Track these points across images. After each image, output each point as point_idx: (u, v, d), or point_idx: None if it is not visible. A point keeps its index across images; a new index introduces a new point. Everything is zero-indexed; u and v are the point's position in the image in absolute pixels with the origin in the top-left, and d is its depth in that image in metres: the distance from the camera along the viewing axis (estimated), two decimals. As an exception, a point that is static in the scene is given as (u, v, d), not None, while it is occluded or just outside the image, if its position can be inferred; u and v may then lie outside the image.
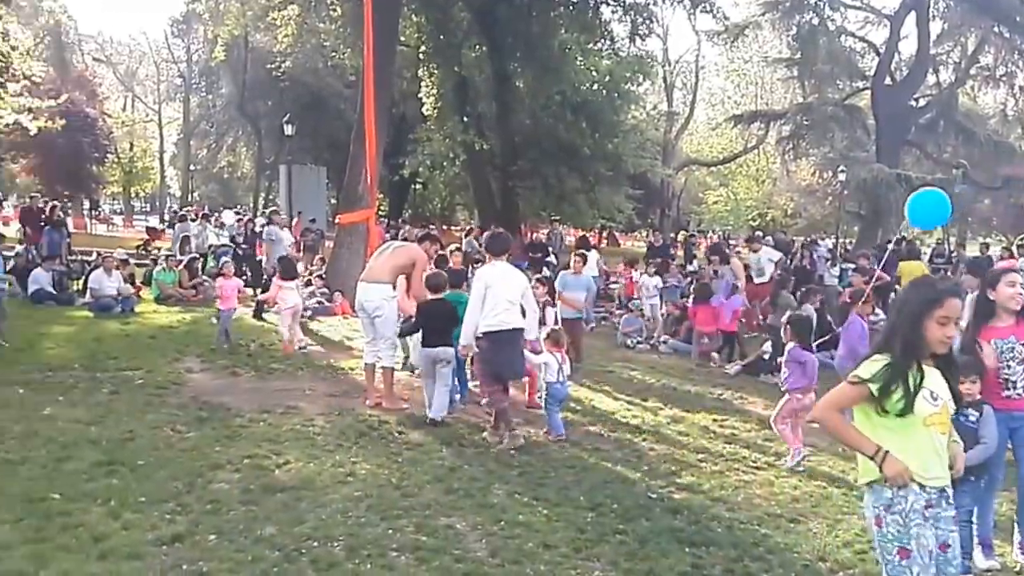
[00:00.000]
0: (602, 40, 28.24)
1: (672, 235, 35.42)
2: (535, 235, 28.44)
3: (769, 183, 47.70)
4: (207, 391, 9.13)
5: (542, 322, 9.23)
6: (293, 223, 23.48)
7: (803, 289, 13.78)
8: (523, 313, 7.96)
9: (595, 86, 28.98)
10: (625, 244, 48.12)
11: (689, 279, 18.36)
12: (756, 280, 15.71)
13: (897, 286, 14.80)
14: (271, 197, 44.95)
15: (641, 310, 15.01)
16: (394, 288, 8.87)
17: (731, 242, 42.38)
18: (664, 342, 13.98)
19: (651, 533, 5.50)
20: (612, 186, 30.60)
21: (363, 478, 6.33)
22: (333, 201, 39.84)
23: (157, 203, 63.53)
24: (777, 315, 12.70)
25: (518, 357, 7.84)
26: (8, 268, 16.49)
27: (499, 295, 7.68)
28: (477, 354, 7.99)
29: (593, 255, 20.51)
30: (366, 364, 9.16)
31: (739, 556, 5.26)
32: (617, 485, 6.47)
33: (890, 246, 16.49)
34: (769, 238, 23.33)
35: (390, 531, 5.27)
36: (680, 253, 26.63)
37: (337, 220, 19.37)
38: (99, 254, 17.37)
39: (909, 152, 33.42)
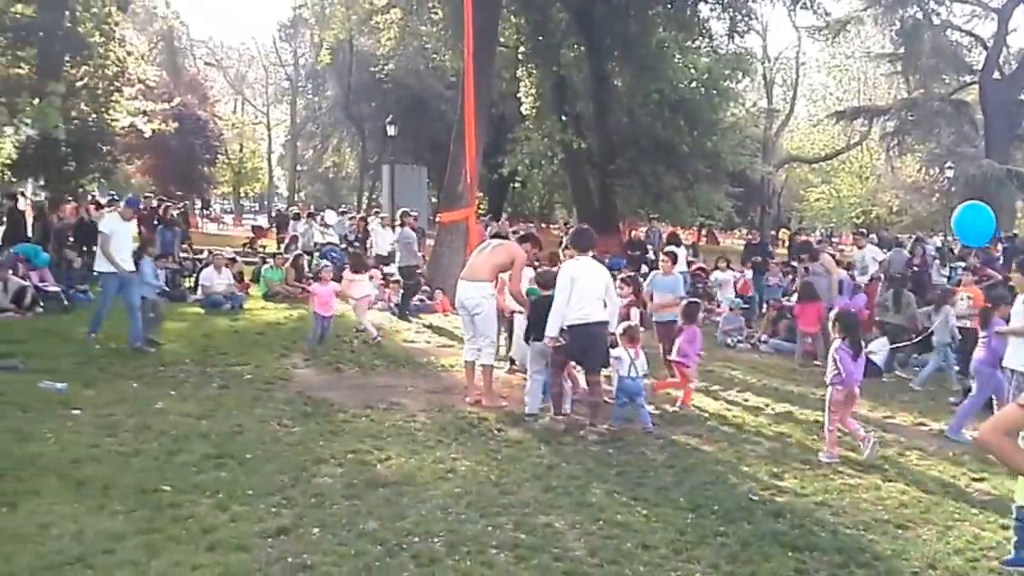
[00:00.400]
0: (700, 38, 27.83)
1: (772, 233, 34.65)
2: (634, 233, 28.14)
3: (873, 180, 46.21)
4: (312, 386, 9.30)
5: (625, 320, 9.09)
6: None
7: (938, 291, 13.04)
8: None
9: (693, 84, 28.53)
10: (724, 242, 47.39)
11: (791, 277, 17.92)
12: (859, 278, 15.19)
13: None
14: (374, 196, 45.63)
15: (742, 308, 14.70)
16: (494, 286, 8.85)
17: (833, 240, 41.37)
18: (764, 341, 13.66)
19: (753, 536, 5.36)
20: (711, 184, 30.06)
21: (463, 475, 6.33)
22: (433, 200, 40.24)
23: (265, 202, 65.24)
24: (903, 314, 12.29)
25: (602, 349, 7.93)
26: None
27: (584, 290, 7.82)
28: (560, 346, 8.04)
29: (682, 252, 20.27)
30: (466, 361, 9.19)
31: (844, 562, 5.08)
32: (718, 486, 6.33)
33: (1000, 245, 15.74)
34: (873, 236, 22.58)
35: (489, 528, 5.25)
36: (782, 251, 26.05)
37: (438, 219, 19.54)
38: (210, 252, 17.90)
39: (1020, 147, 31.91)
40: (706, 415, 8.87)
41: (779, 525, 5.60)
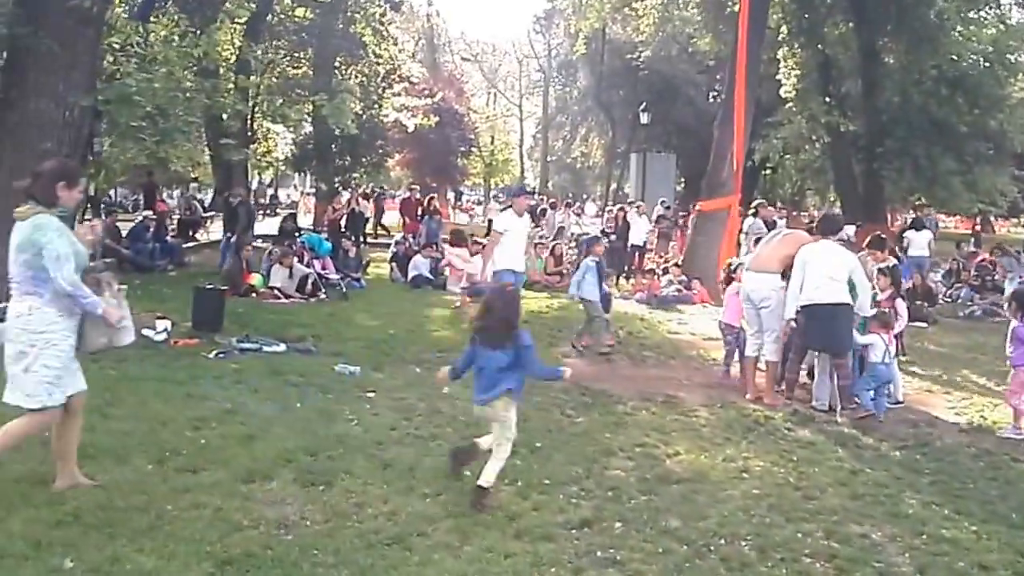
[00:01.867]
0: (986, 7, 25.69)
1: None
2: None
3: None
4: (586, 377, 9.34)
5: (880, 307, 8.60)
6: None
7: None
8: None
9: (975, 57, 26.40)
10: (1001, 230, 43.63)
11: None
12: None
13: None
14: (621, 186, 45.72)
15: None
16: (783, 278, 8.53)
17: None
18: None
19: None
20: (993, 166, 27.62)
21: (758, 475, 6.15)
22: (678, 188, 39.73)
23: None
24: None
25: (838, 331, 7.98)
26: (391, 256, 18.18)
27: (817, 270, 8.01)
28: (795, 328, 8.23)
29: (924, 236, 18.91)
30: (747, 356, 8.94)
31: None
32: None
33: None
34: None
35: (799, 535, 5.04)
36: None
37: (698, 207, 19.24)
38: (479, 242, 18.52)
39: None
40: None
41: None
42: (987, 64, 26.11)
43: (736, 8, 24.16)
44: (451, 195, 47.82)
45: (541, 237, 22.75)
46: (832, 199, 38.38)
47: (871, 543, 4.98)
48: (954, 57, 25.76)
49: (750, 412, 8.09)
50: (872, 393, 8.05)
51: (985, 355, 11.80)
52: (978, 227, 36.09)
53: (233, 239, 16.13)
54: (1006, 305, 9.02)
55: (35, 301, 4.77)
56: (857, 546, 4.90)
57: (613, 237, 20.01)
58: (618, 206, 22.64)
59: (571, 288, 11.25)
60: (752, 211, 16.99)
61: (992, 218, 42.07)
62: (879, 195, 29.14)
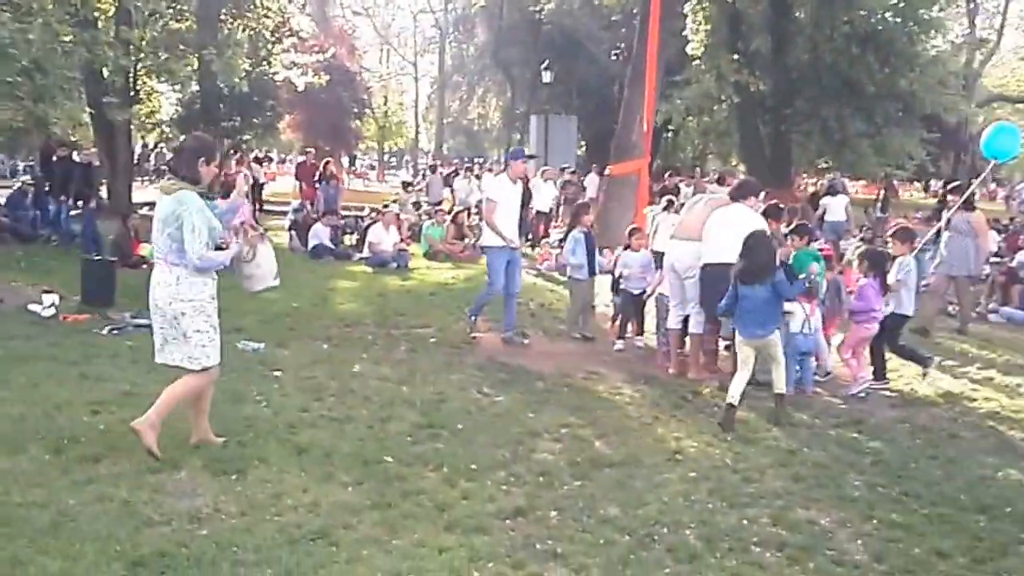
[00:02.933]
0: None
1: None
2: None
3: None
4: (501, 352, 9.31)
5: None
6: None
7: None
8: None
9: (888, 13, 26.85)
10: (904, 195, 45.01)
11: (1008, 236, 16.87)
12: None
13: None
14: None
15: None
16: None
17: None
18: (994, 311, 12.84)
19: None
20: (902, 128, 28.22)
21: (693, 457, 6.13)
22: (581, 152, 39.77)
23: (407, 157, 66.31)
24: None
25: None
26: (289, 224, 17.71)
27: (724, 232, 8.01)
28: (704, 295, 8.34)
29: (840, 200, 19.44)
30: (669, 329, 8.95)
31: None
32: (1000, 484, 5.80)
33: None
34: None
35: (744, 521, 5.00)
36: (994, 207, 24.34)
37: (608, 171, 19.23)
38: (377, 210, 18.20)
39: None
40: (950, 396, 8.23)
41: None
42: (899, 20, 26.59)
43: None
44: (345, 160, 46.96)
45: (425, 203, 22.68)
46: (735, 163, 38.99)
47: (821, 529, 4.96)
48: (863, 12, 26.17)
49: (675, 388, 8.10)
50: (797, 367, 8.10)
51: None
52: (884, 191, 37.11)
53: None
54: (855, 263, 9.36)
55: (182, 271, 5.37)
56: (807, 533, 4.88)
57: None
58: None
59: (569, 260, 10.63)
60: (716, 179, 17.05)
61: (895, 182, 43.45)
62: (786, 159, 29.55)
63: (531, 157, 11.08)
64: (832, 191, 20.56)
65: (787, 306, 7.97)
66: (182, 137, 14.81)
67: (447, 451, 5.95)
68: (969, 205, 11.41)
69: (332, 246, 16.61)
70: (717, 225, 8.17)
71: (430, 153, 57.44)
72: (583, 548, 4.58)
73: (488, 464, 5.75)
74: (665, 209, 10.49)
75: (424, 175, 28.86)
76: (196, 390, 5.63)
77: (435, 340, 9.73)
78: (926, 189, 45.89)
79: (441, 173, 26.82)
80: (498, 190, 10.03)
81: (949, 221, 11.18)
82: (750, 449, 6.33)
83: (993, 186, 44.39)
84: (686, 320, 8.72)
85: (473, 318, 10.11)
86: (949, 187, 13.01)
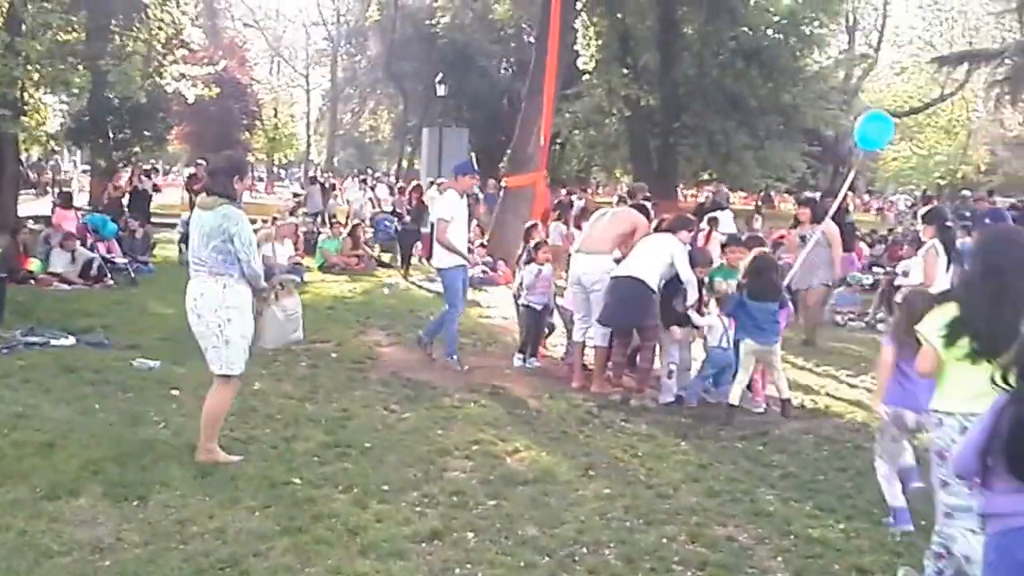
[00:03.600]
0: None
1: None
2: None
3: (964, 135, 44.06)
4: (405, 367, 9.09)
5: None
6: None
7: None
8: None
9: (770, 30, 27.57)
10: (781, 206, 46.05)
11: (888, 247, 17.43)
12: None
13: None
14: (411, 162, 45.23)
15: (861, 284, 14.22)
16: (615, 260, 8.49)
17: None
18: (882, 320, 13.19)
19: (979, 556, 4.96)
20: (784, 141, 28.94)
21: (605, 472, 6.05)
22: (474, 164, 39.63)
23: (293, 169, 65.24)
24: None
25: (627, 307, 7.99)
26: (179, 237, 17.11)
27: (634, 251, 8.18)
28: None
29: (726, 216, 19.78)
30: (574, 341, 8.89)
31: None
32: (912, 496, 5.79)
33: None
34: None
35: (663, 540, 4.92)
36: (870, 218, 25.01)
37: (503, 182, 19.16)
38: (272, 221, 17.70)
39: None
40: (850, 406, 8.33)
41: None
42: (782, 36, 27.28)
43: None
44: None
45: (303, 213, 22.34)
46: (619, 175, 39.40)
47: (740, 546, 4.91)
48: (747, 30, 26.82)
49: (580, 402, 8.02)
50: (711, 380, 8.13)
51: (795, 333, 12.28)
52: (759, 203, 37.90)
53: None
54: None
55: (228, 280, 5.70)
56: (726, 550, 4.82)
57: (408, 219, 19.08)
58: (412, 183, 22.09)
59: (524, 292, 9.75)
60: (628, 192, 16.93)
61: (772, 194, 44.47)
62: (673, 171, 30.00)
63: (476, 173, 10.40)
64: (718, 205, 20.86)
65: (707, 320, 8.10)
66: (207, 160, 14.08)
67: (356, 471, 5.75)
68: (838, 213, 11.38)
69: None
70: (643, 246, 8.19)
71: (319, 165, 56.63)
72: (503, 571, 4.45)
73: (400, 484, 5.57)
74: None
75: (303, 186, 28.50)
76: (229, 398, 5.95)
77: (336, 355, 9.47)
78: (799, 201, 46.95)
79: (322, 185, 26.54)
80: (449, 208, 9.20)
81: (804, 238, 11.02)
82: (662, 464, 6.28)
83: (867, 197, 45.94)
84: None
85: (454, 357, 9.18)
86: (800, 202, 13.18)
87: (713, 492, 5.74)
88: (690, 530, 5.08)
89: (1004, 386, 3.02)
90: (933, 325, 4.02)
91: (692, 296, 8.10)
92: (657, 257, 8.00)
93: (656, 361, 8.28)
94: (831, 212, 10.67)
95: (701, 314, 8.17)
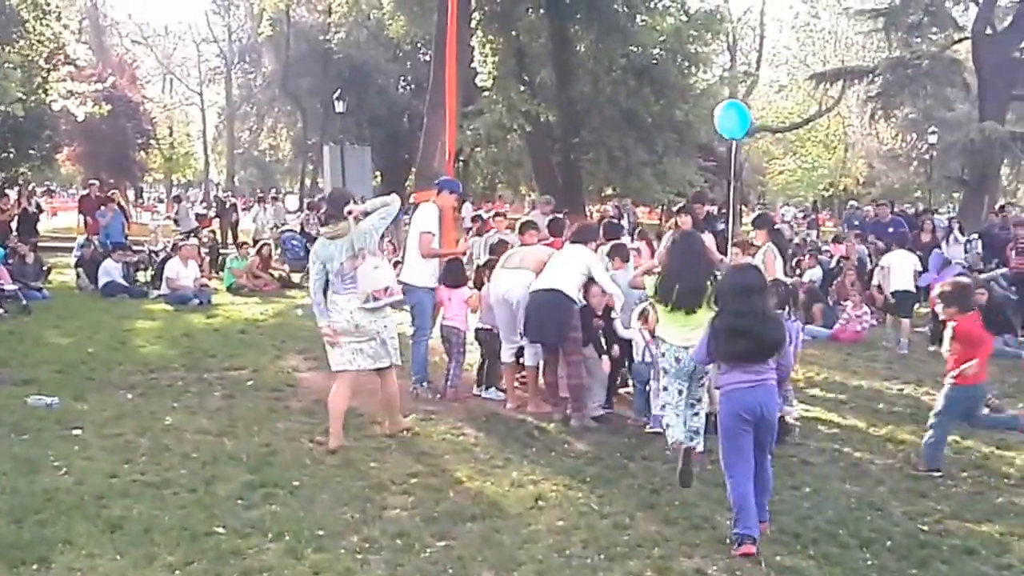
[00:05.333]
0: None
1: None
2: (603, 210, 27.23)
3: (841, 149, 45.32)
4: (327, 393, 8.25)
5: None
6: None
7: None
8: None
9: (657, 49, 27.67)
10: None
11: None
12: None
13: None
14: (315, 180, 44.15)
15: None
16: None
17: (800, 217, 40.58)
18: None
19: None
20: (681, 157, 29.05)
21: (556, 502, 5.56)
22: (376, 181, 39.03)
23: (194, 188, 63.22)
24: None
25: (550, 321, 7.55)
26: (75, 261, 16.07)
27: (551, 263, 7.92)
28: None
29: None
30: (503, 363, 8.40)
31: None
32: (871, 515, 5.46)
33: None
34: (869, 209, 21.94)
35: (630, 576, 4.47)
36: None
37: (412, 199, 18.59)
38: (174, 244, 16.75)
39: (1014, 109, 30.43)
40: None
41: (978, 563, 4.81)
42: (670, 54, 27.37)
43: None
44: (131, 192, 43.97)
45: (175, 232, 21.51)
46: (523, 192, 39.23)
47: (712, 581, 4.49)
48: (634, 48, 26.82)
49: (518, 424, 7.54)
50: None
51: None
52: (661, 218, 38.25)
53: None
54: None
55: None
56: (698, 585, 4.39)
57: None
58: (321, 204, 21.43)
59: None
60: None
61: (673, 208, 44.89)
62: (578, 186, 29.81)
63: (460, 191, 9.53)
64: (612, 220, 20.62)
65: (629, 333, 7.82)
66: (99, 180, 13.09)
67: (286, 515, 5.14)
68: (709, 221, 11.32)
69: (125, 283, 15.10)
70: (557, 259, 7.90)
71: (219, 185, 54.96)
72: (467, 627, 3.92)
73: (336, 528, 4.99)
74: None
75: (174, 205, 27.50)
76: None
77: (253, 383, 8.77)
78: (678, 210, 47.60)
79: (223, 204, 25.85)
80: (432, 221, 8.46)
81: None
82: (612, 490, 5.82)
83: (759, 210, 46.74)
84: (521, 352, 8.25)
85: (424, 384, 8.55)
86: (679, 210, 13.16)
87: (671, 519, 5.31)
88: (655, 564, 4.65)
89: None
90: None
91: (618, 304, 7.82)
92: (573, 267, 7.67)
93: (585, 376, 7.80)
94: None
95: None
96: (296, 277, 17.55)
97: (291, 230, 21.54)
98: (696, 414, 6.37)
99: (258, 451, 6.41)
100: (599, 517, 5.32)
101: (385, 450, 6.60)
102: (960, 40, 30.00)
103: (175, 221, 23.64)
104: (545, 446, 6.88)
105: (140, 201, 45.01)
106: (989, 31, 27.70)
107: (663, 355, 6.39)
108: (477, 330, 8.83)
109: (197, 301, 14.11)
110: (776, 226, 9.99)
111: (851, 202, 26.17)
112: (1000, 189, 24.80)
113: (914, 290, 11.78)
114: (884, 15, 30.46)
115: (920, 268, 12.20)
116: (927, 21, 29.61)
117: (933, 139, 29.46)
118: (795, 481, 6.11)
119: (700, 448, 6.21)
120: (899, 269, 11.68)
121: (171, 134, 50.29)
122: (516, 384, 8.51)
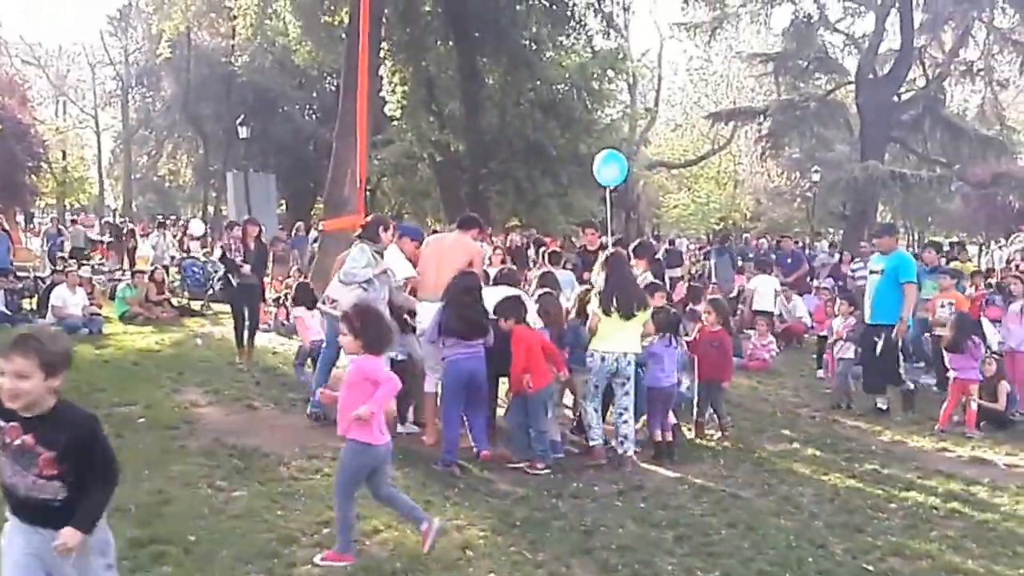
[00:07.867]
0: (575, 33, 27.23)
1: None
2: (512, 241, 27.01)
3: (731, 185, 46.89)
4: (228, 431, 7.65)
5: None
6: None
7: None
8: None
9: (563, 84, 27.78)
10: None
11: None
12: None
13: None
14: (218, 207, 42.73)
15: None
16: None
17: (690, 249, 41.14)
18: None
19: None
20: (585, 189, 29.15)
21: (486, 551, 4.99)
22: (281, 209, 38.03)
23: (93, 215, 60.70)
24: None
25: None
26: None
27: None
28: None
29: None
30: (425, 393, 7.78)
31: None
32: (811, 552, 5.12)
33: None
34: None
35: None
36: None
37: (321, 226, 17.87)
38: (61, 270, 15.57)
39: (891, 150, 32.13)
40: (662, 447, 7.48)
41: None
42: (575, 90, 27.50)
43: (337, 20, 23.34)
44: (21, 217, 41.66)
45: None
46: (430, 223, 38.73)
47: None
48: (541, 83, 26.84)
49: (437, 462, 6.92)
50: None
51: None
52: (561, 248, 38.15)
53: None
54: None
55: None
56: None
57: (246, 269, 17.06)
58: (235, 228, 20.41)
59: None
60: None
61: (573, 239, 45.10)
62: (485, 217, 29.52)
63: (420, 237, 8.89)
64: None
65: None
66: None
67: (181, 576, 4.43)
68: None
69: (8, 311, 13.93)
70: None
71: (116, 211, 52.77)
72: None
73: (241, 592, 4.31)
74: None
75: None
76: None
77: (145, 420, 7.91)
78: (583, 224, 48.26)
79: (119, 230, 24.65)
80: (407, 265, 8.05)
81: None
82: (544, 534, 5.29)
83: (654, 242, 47.40)
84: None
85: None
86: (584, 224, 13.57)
87: (610, 567, 4.81)
88: (605, 619, 4.11)
89: None
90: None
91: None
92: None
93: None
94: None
95: None
96: (196, 305, 16.55)
97: (193, 257, 20.45)
98: (626, 422, 6.99)
99: (148, 500, 5.62)
100: (533, 567, 4.80)
101: (292, 496, 5.91)
102: (844, 84, 31.44)
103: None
104: (469, 486, 6.31)
105: (31, 226, 42.61)
106: (871, 76, 28.97)
107: (591, 356, 7.09)
108: (392, 361, 8.21)
109: (86, 331, 13.08)
110: (656, 256, 11.10)
111: (745, 235, 26.67)
112: (876, 223, 26.07)
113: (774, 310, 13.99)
114: (773, 60, 31.77)
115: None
116: (814, 66, 31.08)
117: (816, 177, 30.43)
118: (730, 518, 5.73)
119: (631, 452, 6.93)
120: (763, 290, 13.97)
121: (64, 157, 48.08)
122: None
